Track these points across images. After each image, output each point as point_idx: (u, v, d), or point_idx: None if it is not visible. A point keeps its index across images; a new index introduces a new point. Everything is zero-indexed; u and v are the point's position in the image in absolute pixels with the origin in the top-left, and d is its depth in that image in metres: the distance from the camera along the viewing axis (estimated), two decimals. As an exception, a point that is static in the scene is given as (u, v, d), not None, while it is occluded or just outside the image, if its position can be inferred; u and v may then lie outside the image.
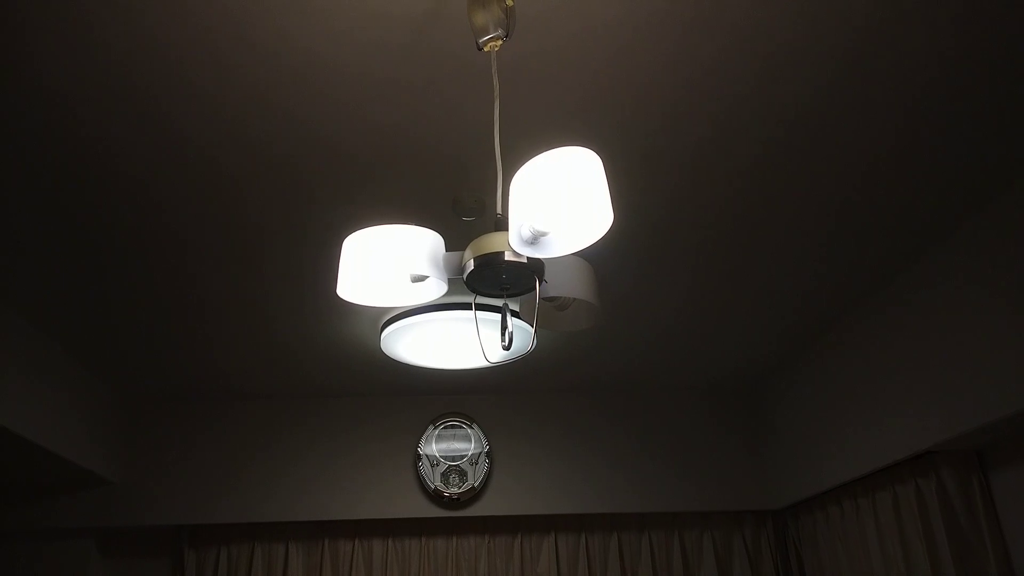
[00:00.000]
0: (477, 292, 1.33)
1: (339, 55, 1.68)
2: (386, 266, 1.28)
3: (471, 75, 1.77)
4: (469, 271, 1.29)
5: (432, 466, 3.72)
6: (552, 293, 1.39)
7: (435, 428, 3.81)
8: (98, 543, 3.74)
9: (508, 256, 1.25)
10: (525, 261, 1.26)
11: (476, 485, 3.70)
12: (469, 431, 3.81)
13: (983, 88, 1.86)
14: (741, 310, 3.05)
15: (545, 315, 1.55)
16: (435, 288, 1.35)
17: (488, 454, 3.77)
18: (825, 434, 3.31)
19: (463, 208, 2.33)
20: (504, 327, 1.34)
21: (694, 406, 3.96)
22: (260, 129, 1.90)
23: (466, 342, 2.99)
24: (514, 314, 2.90)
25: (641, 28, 1.65)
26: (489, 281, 1.31)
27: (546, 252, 1.23)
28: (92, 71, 1.69)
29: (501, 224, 1.33)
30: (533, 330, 1.31)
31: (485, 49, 1.47)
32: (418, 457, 3.74)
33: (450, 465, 3.72)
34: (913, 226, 2.47)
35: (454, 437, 3.79)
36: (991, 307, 2.36)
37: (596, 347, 3.37)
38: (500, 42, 1.47)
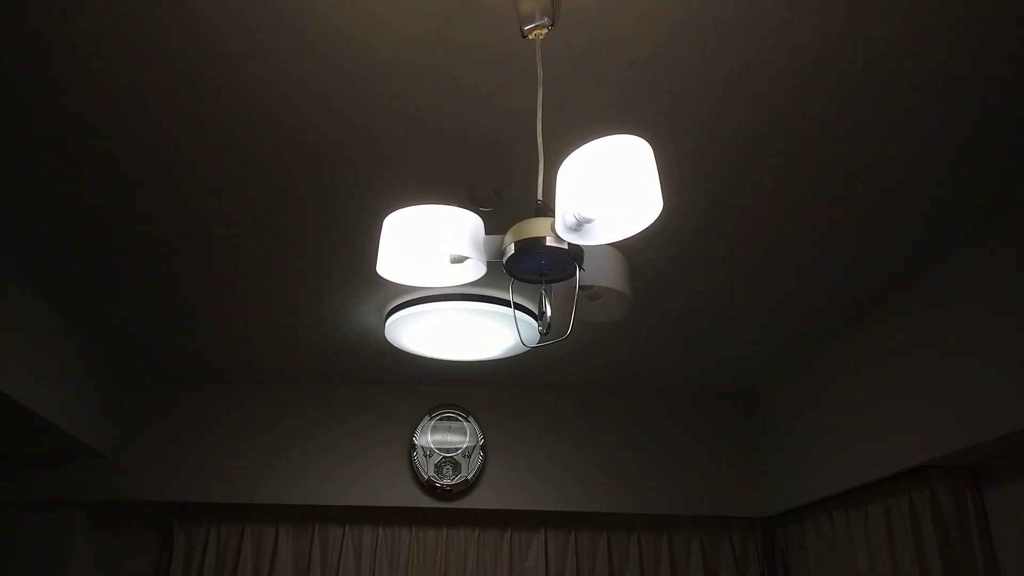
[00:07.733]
0: (515, 277, 1.34)
1: (372, 38, 1.68)
2: (427, 246, 1.28)
3: (501, 64, 1.77)
4: (509, 255, 1.29)
5: (426, 456, 3.72)
6: (587, 282, 1.39)
7: (431, 419, 3.81)
8: (88, 516, 3.71)
9: (550, 241, 1.26)
10: (566, 247, 1.27)
11: (469, 478, 3.70)
12: (465, 424, 3.81)
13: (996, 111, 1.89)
14: (741, 317, 3.07)
15: (577, 304, 1.56)
16: (473, 270, 1.35)
17: (483, 447, 3.77)
18: (818, 444, 3.34)
19: (480, 198, 2.33)
20: (542, 312, 1.35)
21: (689, 410, 3.98)
22: (287, 111, 1.90)
23: (471, 334, 2.99)
24: (519, 307, 2.90)
25: (681, 24, 1.66)
26: (528, 266, 1.32)
27: (590, 239, 1.23)
28: (119, 45, 1.68)
29: (542, 210, 1.34)
30: (571, 317, 1.31)
31: (530, 37, 1.48)
32: (413, 447, 3.74)
33: (444, 456, 3.72)
34: (913, 243, 2.50)
35: (450, 429, 3.80)
36: (989, 325, 2.39)
37: (595, 346, 3.39)
38: (545, 30, 1.48)
